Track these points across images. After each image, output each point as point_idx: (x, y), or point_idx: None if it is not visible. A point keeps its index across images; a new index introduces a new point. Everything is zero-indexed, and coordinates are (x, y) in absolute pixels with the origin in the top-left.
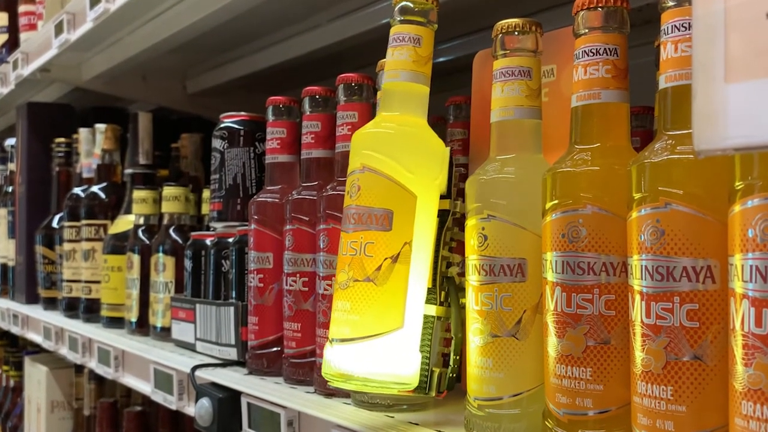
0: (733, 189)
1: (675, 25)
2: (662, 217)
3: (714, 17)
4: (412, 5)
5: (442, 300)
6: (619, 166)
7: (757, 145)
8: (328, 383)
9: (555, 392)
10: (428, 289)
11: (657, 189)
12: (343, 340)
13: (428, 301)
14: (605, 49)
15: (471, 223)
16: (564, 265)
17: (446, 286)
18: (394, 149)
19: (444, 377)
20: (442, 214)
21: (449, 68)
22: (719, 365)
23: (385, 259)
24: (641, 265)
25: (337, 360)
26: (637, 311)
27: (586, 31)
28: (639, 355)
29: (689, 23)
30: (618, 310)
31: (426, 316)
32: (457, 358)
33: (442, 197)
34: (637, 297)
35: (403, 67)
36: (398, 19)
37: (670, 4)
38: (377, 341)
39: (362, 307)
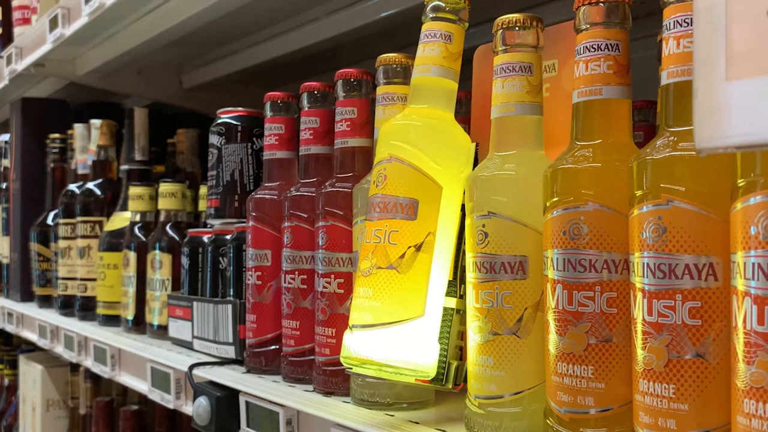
0: (735, 186)
1: (677, 21)
2: (664, 214)
3: (715, 14)
4: (443, 4)
5: (461, 293)
6: (620, 162)
7: (759, 143)
8: (345, 369)
9: (556, 390)
10: (449, 281)
11: (659, 186)
12: (363, 326)
13: (448, 293)
14: (607, 44)
15: (470, 220)
16: (565, 263)
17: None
18: (422, 141)
19: (461, 369)
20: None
21: None
22: (721, 363)
23: (409, 247)
24: (643, 263)
25: (357, 345)
26: (639, 309)
27: (588, 26)
28: (641, 353)
29: (691, 19)
30: (620, 308)
31: (445, 308)
32: None
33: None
34: (639, 294)
35: (434, 63)
36: (430, 16)
37: None
38: (398, 328)
39: (384, 294)
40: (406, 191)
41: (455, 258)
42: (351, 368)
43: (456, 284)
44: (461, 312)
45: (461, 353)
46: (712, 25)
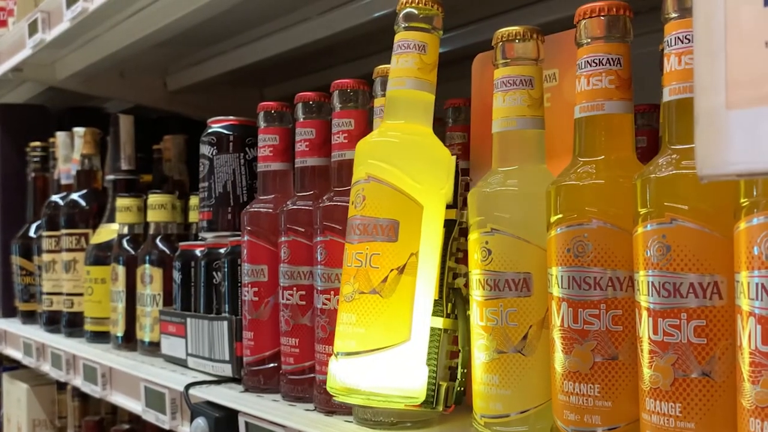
0: (738, 205)
1: (678, 37)
2: (668, 232)
3: (714, 41)
4: (416, 11)
5: (448, 312)
6: (623, 178)
7: (759, 171)
8: (333, 398)
9: (563, 409)
10: (435, 300)
11: (662, 204)
12: (348, 354)
13: (434, 313)
14: (608, 59)
15: (474, 236)
16: (570, 281)
17: (453, 298)
18: (400, 158)
19: (451, 391)
20: (449, 224)
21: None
22: (728, 381)
23: (392, 270)
24: (648, 281)
25: (343, 374)
26: (645, 327)
27: (589, 40)
28: (647, 371)
29: (693, 35)
30: (625, 326)
31: (432, 329)
32: (465, 371)
33: (448, 207)
34: (645, 313)
35: (408, 75)
36: (403, 25)
37: (673, 15)
38: (384, 354)
39: (368, 319)
40: (386, 212)
41: (440, 276)
42: (337, 397)
43: (442, 303)
44: (449, 331)
45: (451, 373)
46: (712, 54)
